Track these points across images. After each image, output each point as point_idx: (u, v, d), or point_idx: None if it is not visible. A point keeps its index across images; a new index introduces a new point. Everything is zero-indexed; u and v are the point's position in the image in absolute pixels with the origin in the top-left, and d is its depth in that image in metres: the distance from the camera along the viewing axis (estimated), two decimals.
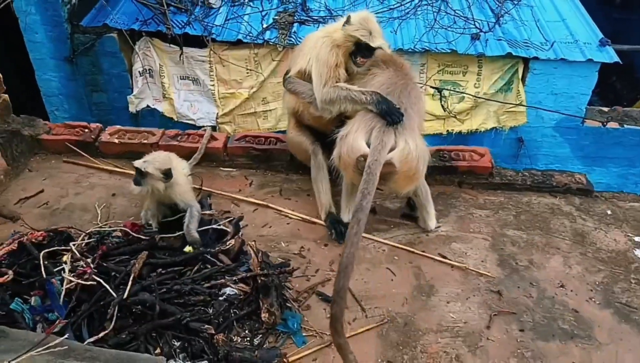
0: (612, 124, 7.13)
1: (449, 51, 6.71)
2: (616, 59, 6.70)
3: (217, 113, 7.08)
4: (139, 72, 6.89)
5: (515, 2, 7.58)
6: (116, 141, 3.82)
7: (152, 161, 3.07)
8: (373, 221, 3.64)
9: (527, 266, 3.42)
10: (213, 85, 6.99)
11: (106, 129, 3.94)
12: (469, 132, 7.27)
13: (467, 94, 6.84)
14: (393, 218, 3.70)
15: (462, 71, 7.01)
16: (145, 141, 3.84)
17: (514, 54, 6.68)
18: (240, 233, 3.30)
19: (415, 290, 3.21)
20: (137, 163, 3.06)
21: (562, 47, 6.83)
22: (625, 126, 7.14)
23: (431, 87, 6.79)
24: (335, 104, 3.34)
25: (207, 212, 3.32)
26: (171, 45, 6.72)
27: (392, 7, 7.42)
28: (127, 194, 3.58)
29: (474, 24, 7.04)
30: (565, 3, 7.68)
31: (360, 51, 3.31)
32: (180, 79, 7.07)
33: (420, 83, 6.84)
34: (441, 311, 3.10)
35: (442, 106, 6.90)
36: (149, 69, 6.92)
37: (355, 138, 3.16)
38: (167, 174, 3.08)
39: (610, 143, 7.23)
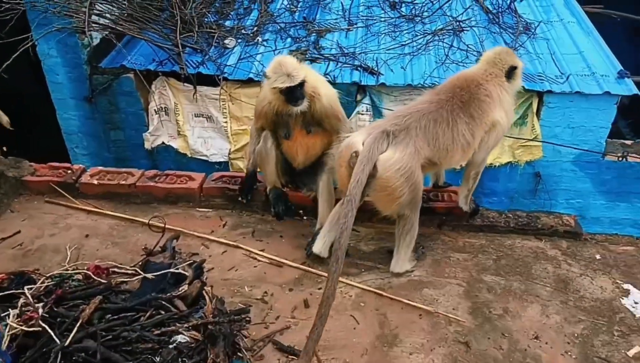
0: (635, 158, 6.75)
1: None
2: (635, 91, 6.39)
3: (230, 149, 7.15)
4: (155, 110, 7.05)
5: (531, 36, 7.38)
6: (95, 182, 3.88)
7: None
8: (344, 264, 3.50)
9: (501, 315, 3.20)
10: (226, 122, 7.07)
11: (88, 170, 4.01)
12: None
13: None
14: (366, 261, 3.57)
15: None
16: (123, 182, 3.89)
17: (527, 87, 6.46)
18: (205, 277, 3.24)
19: (378, 339, 3.05)
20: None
21: (578, 80, 6.58)
22: None
23: None
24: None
25: (168, 256, 3.28)
26: (185, 84, 6.86)
27: (403, 43, 7.36)
28: (100, 235, 3.60)
29: None
30: (583, 35, 7.43)
31: (289, 94, 3.37)
32: (195, 116, 7.19)
33: None
34: None
35: None
36: (165, 108, 7.08)
37: (354, 136, 3.26)
38: None
39: (634, 177, 6.86)
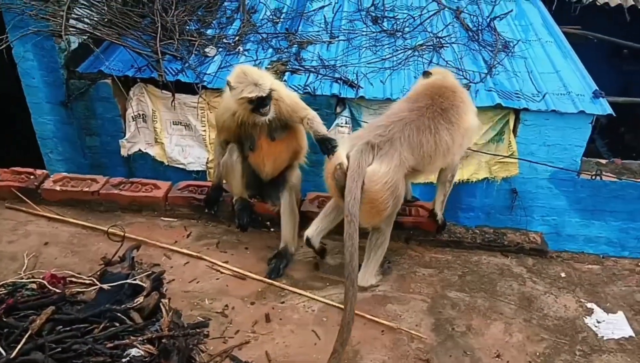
0: (609, 177, 6.79)
1: None
2: (609, 111, 6.43)
3: (208, 158, 7.06)
4: (132, 117, 6.95)
5: (509, 53, 7.43)
6: (58, 188, 3.78)
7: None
8: (308, 277, 3.46)
9: (464, 332, 3.15)
10: (204, 130, 7.00)
11: (52, 175, 3.91)
12: (460, 182, 7.02)
13: None
14: (331, 274, 3.50)
15: None
16: (86, 189, 3.79)
17: (503, 105, 6.49)
18: (164, 289, 3.16)
19: None
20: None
21: (554, 98, 6.61)
22: (622, 179, 6.80)
23: None
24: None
25: (126, 266, 3.19)
26: (164, 91, 6.78)
27: (384, 57, 7.36)
28: (60, 243, 3.50)
29: (463, 75, 6.90)
30: (560, 55, 7.49)
31: (258, 104, 3.32)
32: (173, 124, 7.10)
33: None
34: None
35: None
36: (142, 114, 6.98)
37: (337, 148, 3.30)
38: None
39: (609, 196, 6.88)
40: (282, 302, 3.26)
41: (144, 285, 3.01)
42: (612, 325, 3.21)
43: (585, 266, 3.65)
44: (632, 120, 9.56)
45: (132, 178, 7.08)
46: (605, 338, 3.14)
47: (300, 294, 3.30)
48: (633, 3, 8.67)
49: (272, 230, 3.81)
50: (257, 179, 3.68)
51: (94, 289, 3.01)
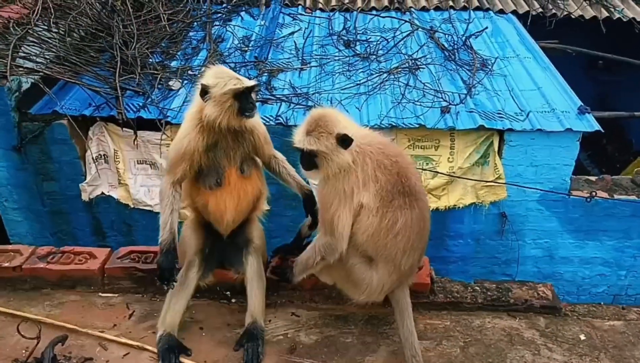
0: (602, 194, 6.20)
1: (416, 126, 5.93)
2: (597, 127, 5.86)
3: None
4: (93, 158, 6.21)
5: (488, 72, 6.84)
6: None
7: None
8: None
9: None
10: None
11: None
12: (446, 208, 6.38)
13: (433, 171, 6.02)
14: (305, 358, 2.74)
15: (434, 145, 6.21)
16: (7, 264, 3.00)
17: (486, 126, 5.88)
18: None
19: None
20: None
21: (539, 116, 6.02)
22: (615, 196, 6.22)
23: None
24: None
25: None
26: (125, 129, 6.06)
27: (359, 82, 6.72)
28: None
29: (442, 97, 6.29)
30: (540, 71, 6.92)
31: (242, 102, 2.72)
32: (137, 163, 6.38)
33: None
34: None
35: None
36: (104, 155, 6.25)
37: None
38: None
39: (601, 214, 6.29)
40: None
41: None
42: None
43: (606, 324, 2.95)
44: (614, 131, 9.11)
45: (96, 224, 6.57)
46: None
47: None
48: (607, 15, 8.18)
49: (233, 301, 3.05)
50: (214, 238, 2.93)
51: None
